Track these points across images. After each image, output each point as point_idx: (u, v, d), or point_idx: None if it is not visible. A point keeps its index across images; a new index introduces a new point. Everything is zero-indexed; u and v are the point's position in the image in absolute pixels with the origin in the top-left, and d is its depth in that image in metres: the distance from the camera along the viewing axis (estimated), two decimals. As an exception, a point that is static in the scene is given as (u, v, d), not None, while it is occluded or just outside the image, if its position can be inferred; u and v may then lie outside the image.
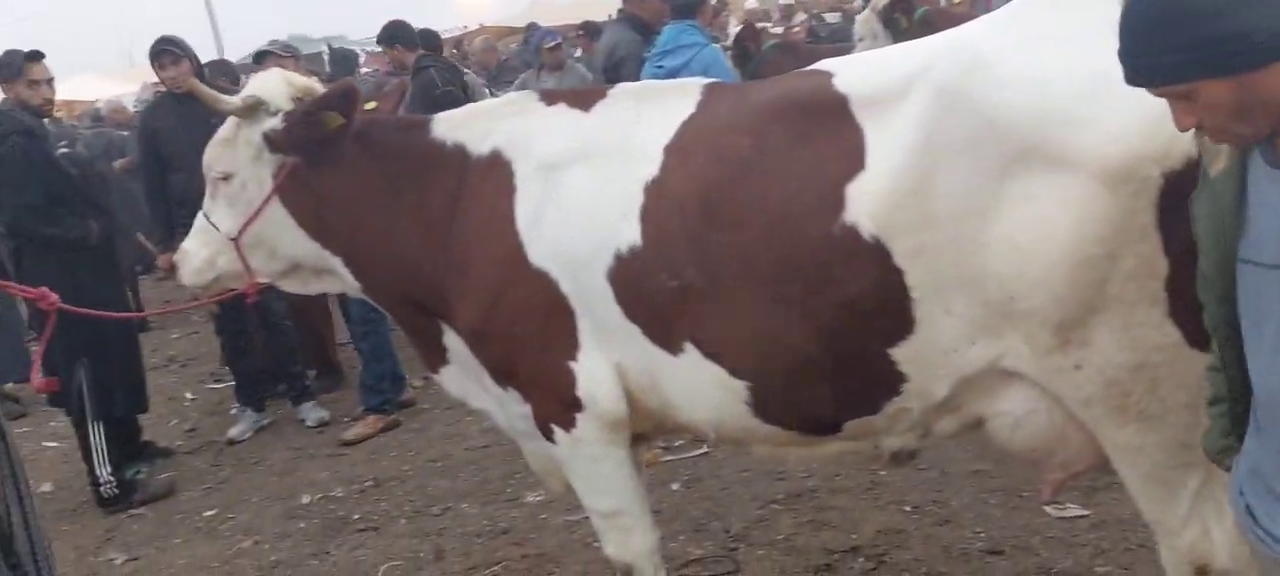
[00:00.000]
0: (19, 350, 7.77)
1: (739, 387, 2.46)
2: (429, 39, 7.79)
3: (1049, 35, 2.12)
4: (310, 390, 6.55)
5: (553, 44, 9.35)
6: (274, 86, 3.00)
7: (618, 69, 5.89)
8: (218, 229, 3.01)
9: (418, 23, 7.88)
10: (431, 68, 6.56)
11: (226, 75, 8.03)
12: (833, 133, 2.26)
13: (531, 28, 11.14)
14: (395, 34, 7.32)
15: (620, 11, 6.57)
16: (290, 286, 3.25)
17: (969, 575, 3.49)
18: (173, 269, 3.39)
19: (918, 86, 2.17)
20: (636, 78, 5.51)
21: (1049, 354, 2.14)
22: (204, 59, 6.49)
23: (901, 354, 2.26)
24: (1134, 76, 1.55)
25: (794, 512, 4.12)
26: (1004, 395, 2.29)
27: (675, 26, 5.49)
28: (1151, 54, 1.50)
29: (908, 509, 4.00)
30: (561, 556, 4.06)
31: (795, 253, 2.27)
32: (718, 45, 6.35)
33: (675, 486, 4.55)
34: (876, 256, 2.19)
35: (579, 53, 10.83)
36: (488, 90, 7.63)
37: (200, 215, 3.11)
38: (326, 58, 10.52)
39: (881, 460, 2.55)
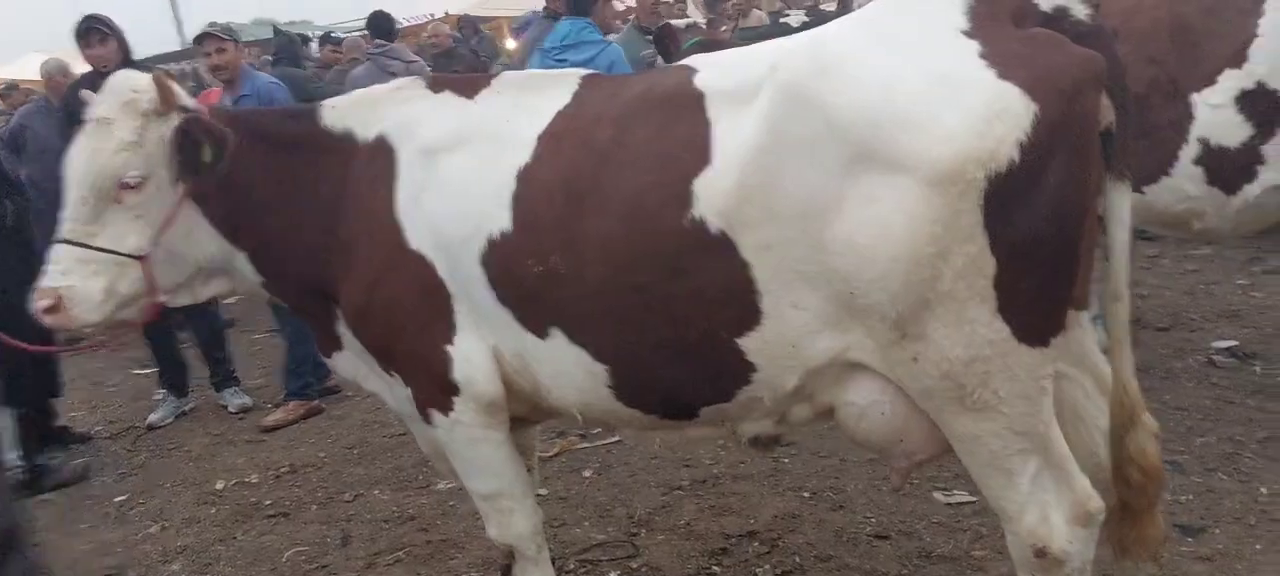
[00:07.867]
0: None
1: (601, 372, 2.52)
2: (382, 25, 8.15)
3: (893, 39, 2.16)
4: (234, 375, 6.51)
5: None
6: (118, 106, 2.75)
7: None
8: (113, 251, 2.74)
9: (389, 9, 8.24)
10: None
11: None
12: (685, 127, 2.32)
13: (464, 20, 11.11)
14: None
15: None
16: (181, 299, 3.01)
17: (856, 559, 3.58)
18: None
19: (766, 86, 2.22)
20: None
21: (889, 347, 2.22)
22: (166, 43, 6.49)
23: (750, 344, 2.33)
24: None
25: (696, 498, 4.21)
26: (851, 386, 2.36)
27: (573, 22, 5.56)
28: None
29: (805, 494, 4.10)
30: (465, 542, 4.10)
31: (650, 243, 2.32)
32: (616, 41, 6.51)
33: (587, 473, 4.62)
34: (724, 250, 2.25)
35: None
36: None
37: (63, 248, 2.71)
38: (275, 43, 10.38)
39: (742, 445, 2.62)
